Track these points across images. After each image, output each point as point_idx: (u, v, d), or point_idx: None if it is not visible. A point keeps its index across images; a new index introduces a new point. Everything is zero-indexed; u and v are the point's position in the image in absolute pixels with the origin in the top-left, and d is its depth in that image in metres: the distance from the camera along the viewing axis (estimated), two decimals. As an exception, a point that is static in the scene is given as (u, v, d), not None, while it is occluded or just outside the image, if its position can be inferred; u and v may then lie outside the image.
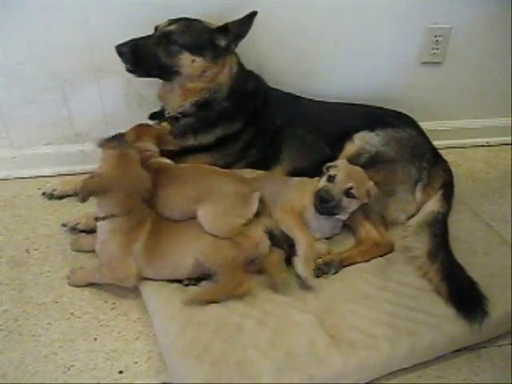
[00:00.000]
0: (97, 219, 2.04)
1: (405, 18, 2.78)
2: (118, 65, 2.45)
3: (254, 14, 2.35)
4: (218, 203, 2.02)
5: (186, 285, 2.03)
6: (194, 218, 2.05)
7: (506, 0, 2.81)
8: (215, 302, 1.92)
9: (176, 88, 2.44)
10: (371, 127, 2.44)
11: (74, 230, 2.38)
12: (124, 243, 1.98)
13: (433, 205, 2.35)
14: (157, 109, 2.57)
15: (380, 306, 1.96)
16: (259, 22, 2.51)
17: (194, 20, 2.39)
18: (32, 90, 2.62)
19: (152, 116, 2.54)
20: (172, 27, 2.33)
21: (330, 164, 2.24)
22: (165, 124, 2.46)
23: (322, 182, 2.18)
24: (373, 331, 1.85)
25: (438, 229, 2.22)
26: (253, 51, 2.66)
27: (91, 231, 2.35)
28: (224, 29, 2.36)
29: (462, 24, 2.84)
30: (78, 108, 2.72)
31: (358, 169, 2.20)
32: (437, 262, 2.08)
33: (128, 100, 2.71)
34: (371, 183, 2.18)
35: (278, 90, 2.63)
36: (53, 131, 2.77)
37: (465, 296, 1.96)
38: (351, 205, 2.15)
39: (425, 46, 2.87)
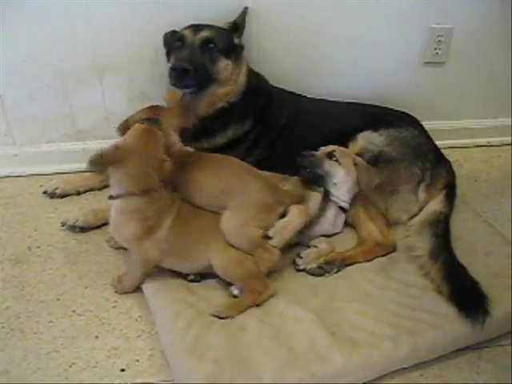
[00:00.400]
0: (111, 197, 1.96)
1: (407, 18, 2.78)
2: (121, 62, 2.47)
3: (245, 9, 2.44)
4: (242, 211, 2.00)
5: (191, 280, 2.04)
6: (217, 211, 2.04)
7: (508, 1, 2.81)
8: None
9: (203, 97, 2.43)
10: (374, 127, 2.44)
11: (73, 228, 2.38)
12: (143, 228, 1.94)
13: (435, 205, 2.35)
14: None
15: (382, 305, 1.96)
16: (261, 20, 2.54)
17: (211, 24, 2.41)
18: (35, 87, 2.63)
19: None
20: (207, 33, 2.35)
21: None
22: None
23: (322, 153, 2.24)
24: (375, 330, 1.85)
25: (440, 229, 2.22)
26: (255, 50, 2.67)
27: (90, 228, 2.37)
28: (235, 27, 2.40)
29: (464, 24, 2.85)
30: (81, 106, 2.72)
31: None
32: (438, 261, 2.08)
33: (130, 98, 2.71)
34: (357, 158, 2.24)
35: (281, 89, 2.63)
36: (55, 129, 2.77)
37: (466, 296, 1.96)
38: (336, 170, 2.19)
39: (427, 45, 2.87)
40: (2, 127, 2.72)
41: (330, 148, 2.23)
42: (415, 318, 1.90)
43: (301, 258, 2.14)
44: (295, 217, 2.05)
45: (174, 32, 2.45)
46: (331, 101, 2.66)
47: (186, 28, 2.39)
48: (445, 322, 1.89)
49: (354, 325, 1.87)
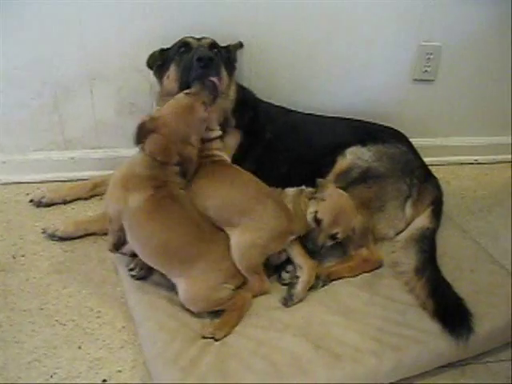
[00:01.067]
0: None
1: (397, 36, 2.81)
2: (111, 72, 2.47)
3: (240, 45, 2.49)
4: (256, 233, 1.96)
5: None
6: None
7: (497, 18, 2.84)
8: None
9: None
10: (363, 142, 2.45)
11: (52, 236, 2.37)
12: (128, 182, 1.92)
13: (422, 221, 2.35)
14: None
15: (366, 320, 1.95)
16: (255, 36, 2.54)
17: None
18: (25, 95, 2.63)
19: None
20: (210, 40, 2.38)
21: (319, 185, 2.17)
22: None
23: (309, 214, 2.11)
24: (358, 345, 1.84)
25: (426, 245, 2.23)
26: (247, 65, 2.68)
27: (69, 238, 2.37)
28: (227, 48, 2.43)
29: (453, 42, 2.87)
30: (70, 114, 2.72)
31: (346, 206, 2.12)
32: (423, 277, 2.08)
33: (119, 108, 2.71)
34: (358, 219, 2.17)
35: (268, 103, 2.64)
36: (43, 137, 2.76)
37: (451, 312, 1.96)
38: (337, 241, 2.16)
39: (416, 63, 2.90)
40: (-10, 134, 2.71)
41: (334, 231, 2.09)
42: (399, 334, 1.90)
43: (287, 272, 2.12)
44: (309, 277, 2.04)
45: (162, 50, 2.41)
46: (320, 115, 2.66)
47: (186, 37, 2.38)
48: (429, 338, 1.89)
49: (337, 339, 1.86)
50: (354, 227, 2.15)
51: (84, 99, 2.67)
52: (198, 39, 2.37)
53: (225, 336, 1.85)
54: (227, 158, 2.22)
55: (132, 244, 1.97)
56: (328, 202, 2.11)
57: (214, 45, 2.37)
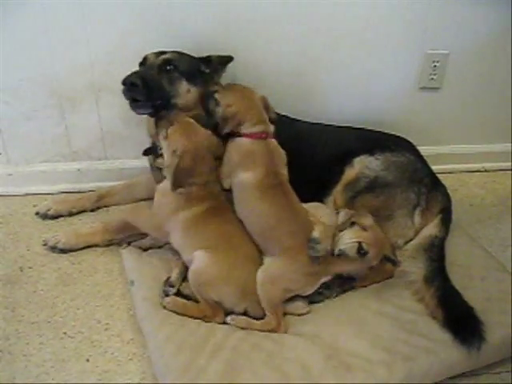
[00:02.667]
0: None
1: (403, 44, 2.80)
2: (117, 84, 2.46)
3: (230, 59, 2.42)
4: (285, 267, 1.95)
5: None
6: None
7: (503, 26, 2.84)
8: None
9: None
10: (370, 151, 2.43)
11: (53, 249, 2.37)
12: (174, 202, 2.06)
13: (430, 229, 2.33)
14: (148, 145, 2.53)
15: (377, 330, 1.94)
16: (258, 45, 2.54)
17: (178, 51, 2.39)
18: (31, 106, 2.63)
19: (146, 152, 2.44)
20: (168, 55, 2.33)
21: (355, 217, 2.04)
22: (160, 160, 2.44)
23: (347, 244, 1.96)
24: (369, 355, 1.83)
25: (435, 253, 2.21)
26: (251, 74, 2.68)
27: (71, 250, 2.36)
28: (207, 59, 2.38)
29: (459, 50, 2.86)
30: (76, 126, 2.72)
31: (382, 236, 2.04)
32: (433, 286, 2.06)
33: (126, 119, 2.71)
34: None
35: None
36: (50, 149, 2.77)
37: (461, 321, 1.95)
38: None
39: (423, 71, 2.89)
40: (-4, 146, 2.71)
41: (374, 263, 2.02)
42: (410, 344, 1.89)
43: None
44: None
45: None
46: (327, 125, 2.65)
47: (149, 53, 2.37)
48: (440, 348, 1.87)
49: (348, 350, 1.85)
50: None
51: (90, 111, 2.67)
52: (159, 54, 2.34)
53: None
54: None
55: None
56: (372, 233, 1.99)
57: (168, 61, 2.31)
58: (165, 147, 2.08)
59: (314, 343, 1.87)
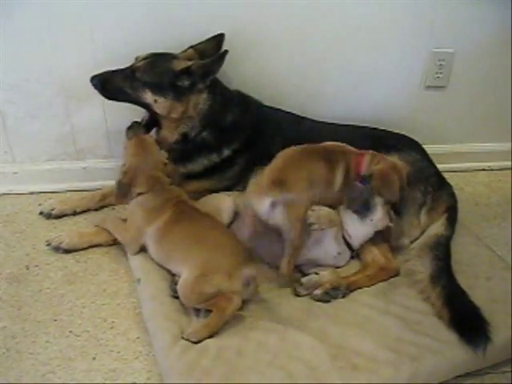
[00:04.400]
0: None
1: (409, 42, 2.79)
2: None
3: (224, 53, 2.36)
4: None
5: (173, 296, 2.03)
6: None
7: (509, 26, 2.82)
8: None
9: (160, 121, 2.48)
10: (376, 150, 2.42)
11: (57, 249, 2.37)
12: (144, 217, 2.15)
13: (436, 228, 2.34)
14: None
15: (382, 330, 1.94)
16: (263, 44, 2.54)
17: (164, 58, 2.41)
18: (37, 105, 2.63)
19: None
20: (140, 64, 2.38)
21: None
22: (163, 152, 2.46)
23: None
24: (375, 355, 1.83)
25: (441, 252, 2.21)
26: (257, 73, 2.68)
27: (74, 250, 2.36)
28: (187, 71, 2.36)
29: (465, 48, 2.86)
30: (81, 124, 2.72)
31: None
32: (439, 285, 2.07)
33: (131, 117, 2.68)
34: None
35: (278, 110, 2.64)
36: (55, 147, 2.77)
37: (467, 321, 1.95)
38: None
39: (428, 69, 2.88)
40: (2, 145, 2.72)
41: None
42: (416, 343, 1.89)
43: (301, 284, 2.11)
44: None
45: None
46: (332, 123, 2.66)
47: (145, 54, 2.42)
48: (446, 348, 1.87)
49: (354, 349, 1.85)
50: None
51: (96, 109, 2.68)
52: (139, 60, 2.40)
53: (200, 341, 1.84)
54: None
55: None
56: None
57: (135, 70, 2.36)
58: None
59: (320, 342, 1.86)
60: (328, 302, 2.07)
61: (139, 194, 2.19)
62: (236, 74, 2.49)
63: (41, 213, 2.60)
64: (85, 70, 2.54)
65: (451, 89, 2.98)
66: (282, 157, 2.25)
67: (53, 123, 2.71)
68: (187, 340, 1.84)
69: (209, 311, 1.92)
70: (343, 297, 2.09)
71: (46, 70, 2.55)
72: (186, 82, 2.37)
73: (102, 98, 2.56)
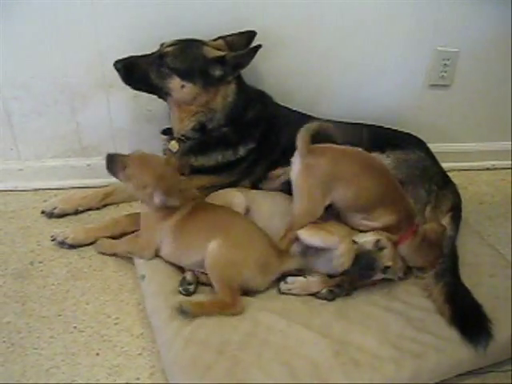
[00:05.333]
0: None
1: (413, 41, 2.79)
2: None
3: (258, 47, 2.35)
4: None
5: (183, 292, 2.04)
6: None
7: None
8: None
9: (174, 110, 2.46)
10: (381, 149, 2.43)
11: (62, 244, 2.38)
12: (159, 215, 2.09)
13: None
14: (168, 126, 2.58)
15: (385, 327, 1.94)
16: (269, 42, 2.54)
17: (195, 45, 2.38)
18: (43, 102, 2.64)
19: (164, 132, 2.57)
20: (169, 49, 2.34)
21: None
22: (174, 142, 2.47)
23: (367, 241, 2.05)
24: (378, 352, 1.83)
25: (447, 250, 2.21)
26: (262, 72, 2.68)
27: (79, 246, 2.37)
28: (221, 59, 2.35)
29: (469, 47, 2.85)
30: (87, 122, 2.73)
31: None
32: (441, 282, 2.08)
33: (136, 115, 2.72)
34: (400, 265, 2.10)
35: (286, 108, 2.64)
36: (60, 144, 2.78)
37: (468, 319, 1.95)
38: (375, 277, 2.08)
39: (433, 68, 2.88)
40: (7, 141, 2.72)
41: (389, 264, 2.04)
42: (418, 341, 1.89)
43: (286, 283, 2.10)
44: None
45: None
46: (337, 121, 2.65)
47: (171, 40, 2.40)
48: (448, 345, 1.88)
49: (357, 346, 1.85)
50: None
51: (101, 107, 2.68)
52: (166, 46, 2.37)
53: (188, 314, 1.89)
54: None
55: None
56: (389, 240, 2.06)
57: (163, 56, 2.33)
58: (130, 186, 2.13)
59: (323, 338, 1.87)
60: (333, 300, 2.07)
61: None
62: (242, 71, 2.49)
63: (43, 212, 2.59)
64: (90, 67, 2.56)
65: (455, 87, 2.98)
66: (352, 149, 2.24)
67: (58, 120, 2.71)
68: (176, 309, 1.92)
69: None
70: (347, 294, 2.09)
71: (52, 68, 2.55)
72: (217, 72, 2.35)
73: (107, 95, 2.58)
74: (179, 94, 2.37)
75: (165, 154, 2.52)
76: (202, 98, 2.38)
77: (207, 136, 2.46)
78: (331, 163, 2.12)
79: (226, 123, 2.46)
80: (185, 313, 1.89)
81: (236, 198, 2.27)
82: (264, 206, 2.28)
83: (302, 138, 2.12)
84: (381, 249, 2.01)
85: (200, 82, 2.35)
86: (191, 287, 2.06)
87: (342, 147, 2.20)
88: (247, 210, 2.25)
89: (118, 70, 2.34)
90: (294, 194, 2.16)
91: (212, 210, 2.16)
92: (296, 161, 2.16)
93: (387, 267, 2.03)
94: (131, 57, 2.35)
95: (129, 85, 2.41)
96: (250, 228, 2.10)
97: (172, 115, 2.50)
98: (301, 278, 2.11)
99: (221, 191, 2.37)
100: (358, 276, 2.05)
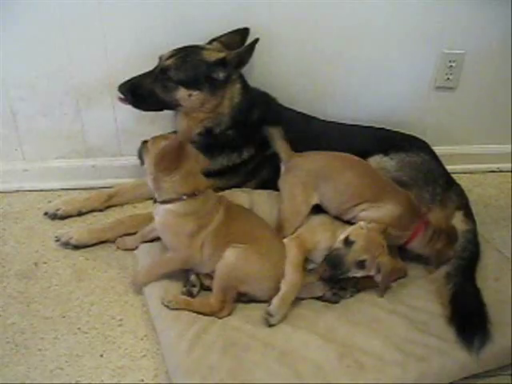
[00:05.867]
0: (155, 201, 2.05)
1: (419, 43, 2.78)
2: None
3: (255, 42, 2.36)
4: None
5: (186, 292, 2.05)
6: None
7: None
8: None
9: (182, 118, 2.46)
10: (385, 151, 2.43)
11: (66, 244, 2.37)
12: (194, 226, 1.99)
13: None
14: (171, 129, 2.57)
15: (390, 330, 1.94)
16: (274, 43, 2.54)
17: (193, 52, 2.38)
18: (48, 103, 2.65)
19: None
20: (169, 62, 2.34)
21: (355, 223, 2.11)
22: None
23: (338, 240, 2.05)
24: (382, 354, 1.83)
25: (466, 251, 2.24)
26: (267, 72, 2.68)
27: (84, 246, 2.37)
28: (222, 61, 2.35)
29: (476, 49, 2.84)
30: (91, 123, 2.73)
31: (379, 240, 2.02)
32: (451, 283, 2.09)
33: (140, 116, 2.71)
34: (385, 259, 2.02)
35: (290, 110, 2.63)
36: (65, 145, 2.78)
37: (466, 320, 1.94)
38: (356, 274, 2.04)
39: (439, 70, 2.87)
40: (12, 142, 2.73)
41: (363, 257, 1.98)
42: (423, 344, 1.88)
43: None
44: (287, 291, 1.98)
45: None
46: (342, 123, 2.66)
47: (171, 50, 2.39)
48: (453, 349, 1.87)
49: (361, 348, 1.85)
50: (379, 267, 2.01)
51: (106, 108, 2.69)
52: (166, 58, 2.35)
53: (174, 309, 1.94)
54: None
55: None
56: (364, 230, 2.04)
57: (166, 69, 2.32)
58: (147, 162, 2.03)
59: (328, 341, 1.87)
60: (337, 302, 2.07)
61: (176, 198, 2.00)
62: (245, 73, 2.49)
63: (46, 213, 2.59)
64: (95, 68, 2.57)
65: (461, 90, 2.96)
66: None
67: (63, 121, 2.71)
68: (166, 306, 1.95)
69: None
70: (351, 296, 2.09)
71: (57, 69, 2.56)
72: (220, 74, 2.36)
73: (111, 96, 2.58)
74: (188, 103, 2.38)
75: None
76: (210, 102, 2.40)
77: (213, 139, 2.47)
78: (311, 163, 2.23)
79: (232, 125, 2.46)
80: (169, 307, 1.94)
81: (240, 199, 2.26)
82: (266, 206, 2.27)
83: (279, 145, 2.27)
84: (350, 243, 1.99)
85: (206, 87, 2.35)
86: (195, 289, 2.06)
87: (323, 152, 2.30)
88: None
89: (123, 94, 2.36)
90: (280, 196, 2.23)
91: (243, 218, 2.13)
92: (281, 167, 2.26)
93: (362, 261, 1.99)
94: (133, 78, 2.37)
95: (138, 108, 2.42)
96: (271, 243, 2.07)
97: (179, 122, 2.49)
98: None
99: (226, 192, 2.36)
100: (332, 276, 2.04)
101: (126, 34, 2.53)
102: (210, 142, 2.46)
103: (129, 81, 2.36)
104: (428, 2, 2.66)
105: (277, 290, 1.96)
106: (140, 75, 2.37)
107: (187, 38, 2.44)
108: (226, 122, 2.45)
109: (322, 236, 2.12)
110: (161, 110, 2.46)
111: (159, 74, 2.35)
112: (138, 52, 2.49)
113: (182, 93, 2.35)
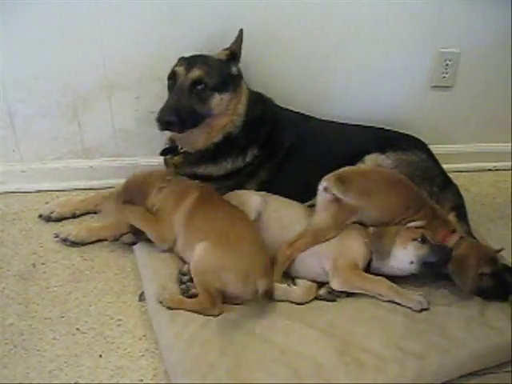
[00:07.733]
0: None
1: (415, 42, 2.80)
2: (130, 82, 2.48)
3: (241, 32, 2.41)
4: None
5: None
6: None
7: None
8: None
9: (202, 131, 2.40)
10: (382, 150, 2.44)
11: (65, 241, 2.38)
12: (173, 201, 2.16)
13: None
14: (167, 145, 2.57)
15: (389, 328, 1.94)
16: (272, 44, 2.55)
17: (205, 56, 2.39)
18: (45, 104, 2.64)
19: (164, 152, 2.53)
20: (197, 72, 2.31)
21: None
22: (178, 158, 2.47)
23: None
24: (382, 353, 1.83)
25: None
26: (265, 73, 2.69)
27: (82, 243, 2.38)
28: (232, 56, 2.37)
29: (471, 49, 2.86)
30: (89, 123, 2.73)
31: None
32: None
33: (138, 117, 2.73)
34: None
35: (287, 110, 2.63)
36: (63, 146, 2.78)
37: None
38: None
39: (435, 69, 2.89)
40: (10, 143, 2.73)
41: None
42: (422, 342, 1.89)
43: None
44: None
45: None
46: (339, 123, 2.66)
47: (179, 64, 2.37)
48: (452, 347, 1.87)
49: (360, 346, 1.85)
50: None
51: (103, 108, 2.69)
52: (188, 69, 2.32)
53: (168, 308, 1.95)
54: None
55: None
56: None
57: (199, 80, 2.30)
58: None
59: (327, 338, 1.87)
60: (333, 301, 2.07)
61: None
62: (244, 73, 2.49)
63: (40, 216, 2.58)
64: (93, 70, 2.57)
65: (457, 89, 2.98)
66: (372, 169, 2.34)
67: (61, 122, 2.72)
68: (160, 302, 1.97)
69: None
70: (348, 296, 2.09)
71: (55, 70, 2.56)
72: (233, 69, 2.40)
73: (109, 97, 2.58)
74: (219, 109, 2.37)
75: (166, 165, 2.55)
76: (232, 102, 2.40)
77: (226, 145, 2.45)
78: (358, 198, 2.15)
79: (243, 126, 2.45)
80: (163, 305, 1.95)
81: (251, 200, 2.25)
82: (282, 213, 2.26)
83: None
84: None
85: (231, 86, 2.38)
86: (185, 277, 2.06)
87: (368, 172, 2.29)
88: (259, 215, 2.22)
89: (171, 123, 2.27)
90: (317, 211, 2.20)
91: (215, 208, 2.16)
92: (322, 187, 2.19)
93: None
94: (167, 105, 2.30)
95: (183, 130, 2.34)
96: (245, 235, 2.06)
97: (194, 136, 2.43)
98: (285, 287, 2.10)
99: (237, 191, 2.36)
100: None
101: (124, 36, 2.53)
102: (217, 150, 2.44)
103: (165, 109, 2.28)
104: (424, 2, 2.67)
105: (252, 284, 1.94)
106: (172, 99, 2.31)
107: (183, 40, 2.46)
108: (240, 123, 2.44)
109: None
110: (192, 127, 2.36)
111: (191, 87, 2.31)
112: (135, 53, 2.49)
113: (216, 99, 2.34)
